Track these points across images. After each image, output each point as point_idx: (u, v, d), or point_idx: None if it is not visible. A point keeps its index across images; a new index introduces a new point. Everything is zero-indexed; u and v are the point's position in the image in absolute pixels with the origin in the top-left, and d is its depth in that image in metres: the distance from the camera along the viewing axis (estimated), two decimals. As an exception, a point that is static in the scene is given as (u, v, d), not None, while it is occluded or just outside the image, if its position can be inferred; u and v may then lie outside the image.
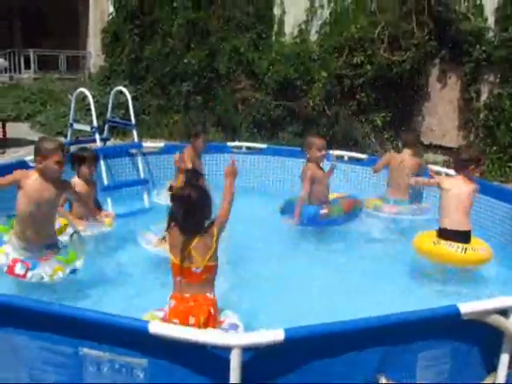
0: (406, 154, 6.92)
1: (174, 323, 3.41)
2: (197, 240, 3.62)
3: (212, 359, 2.64)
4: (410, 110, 11.43)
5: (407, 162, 6.82)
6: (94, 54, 18.84)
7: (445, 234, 5.27)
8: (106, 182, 6.82)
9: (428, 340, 2.96)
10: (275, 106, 12.00)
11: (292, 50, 12.17)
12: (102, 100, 13.02)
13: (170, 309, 3.58)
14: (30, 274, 4.21)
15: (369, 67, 10.85)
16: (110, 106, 7.79)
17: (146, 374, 2.74)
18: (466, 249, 5.12)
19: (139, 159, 7.32)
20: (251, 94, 12.46)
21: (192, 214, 3.61)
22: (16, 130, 13.80)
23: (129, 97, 7.30)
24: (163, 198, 6.85)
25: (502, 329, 3.02)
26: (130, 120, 7.40)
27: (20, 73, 21.24)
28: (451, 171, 7.36)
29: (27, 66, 21.21)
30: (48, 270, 4.28)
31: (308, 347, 2.71)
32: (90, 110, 7.64)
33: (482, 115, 10.62)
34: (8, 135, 12.39)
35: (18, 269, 4.23)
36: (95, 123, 6.92)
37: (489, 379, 3.14)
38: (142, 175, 7.28)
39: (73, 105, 7.36)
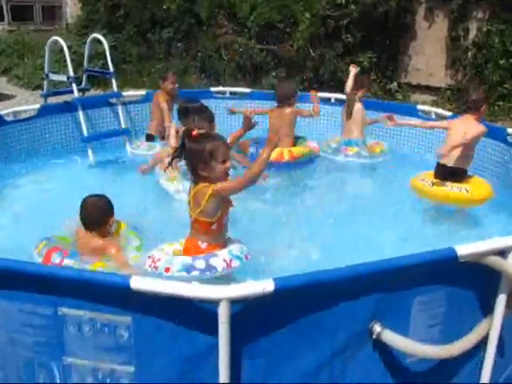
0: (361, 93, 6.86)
1: None
2: (193, 191, 3.55)
3: (199, 313, 2.51)
4: (396, 50, 11.18)
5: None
6: (71, 2, 18.24)
7: (443, 170, 5.22)
8: (85, 133, 6.63)
9: (423, 285, 2.85)
10: (258, 50, 11.70)
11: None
12: (80, 50, 12.57)
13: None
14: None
15: (353, 7, 10.52)
16: (86, 55, 7.49)
17: (131, 332, 2.62)
18: (467, 188, 5.09)
19: (119, 109, 7.09)
20: (234, 38, 12.13)
21: (187, 163, 3.63)
22: (-7, 85, 13.48)
23: (105, 44, 6.99)
24: (141, 148, 6.73)
25: (499, 270, 2.92)
26: (108, 69, 7.11)
27: (-7, 25, 20.58)
28: (440, 110, 7.33)
29: (1, 18, 20.50)
30: None
31: (299, 297, 2.58)
32: (72, 60, 7.40)
33: (470, 54, 10.39)
34: (-17, 90, 12.05)
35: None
36: (71, 73, 6.62)
37: (485, 321, 3.07)
38: (122, 125, 7.06)
39: (47, 55, 7.03)
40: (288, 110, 6.38)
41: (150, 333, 2.60)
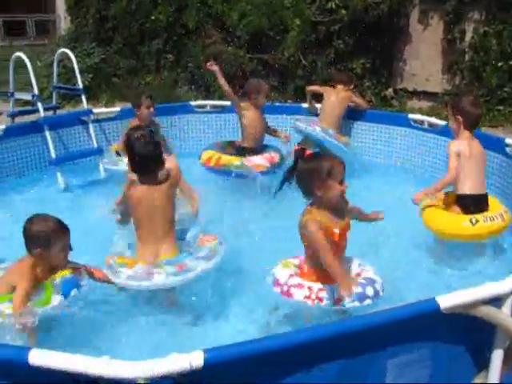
0: (339, 89, 7.10)
1: None
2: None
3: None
4: (390, 55, 10.70)
5: (340, 95, 7.01)
6: (63, 17, 17.92)
7: (465, 200, 4.59)
8: (53, 155, 6.22)
9: (400, 344, 2.39)
10: (249, 59, 11.29)
11: (263, -1, 11.38)
12: (69, 64, 12.30)
13: None
14: None
15: (344, 12, 10.08)
16: (55, 70, 7.11)
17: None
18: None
19: (90, 127, 6.68)
20: (223, 48, 11.72)
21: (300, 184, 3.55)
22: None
23: (73, 59, 6.61)
24: (111, 163, 6.31)
25: (493, 322, 2.46)
26: (77, 85, 6.73)
27: (-15, 41, 20.33)
28: (433, 119, 6.87)
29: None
30: None
31: (239, 370, 2.11)
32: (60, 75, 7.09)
33: (467, 57, 9.90)
34: (-29, 107, 11.69)
35: None
36: (36, 91, 6.24)
37: (478, 378, 2.61)
38: (94, 144, 6.65)
39: (11, 71, 6.67)
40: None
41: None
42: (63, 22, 18.19)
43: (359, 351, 2.28)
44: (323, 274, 3.32)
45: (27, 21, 20.67)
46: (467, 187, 4.58)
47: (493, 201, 4.72)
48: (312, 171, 3.38)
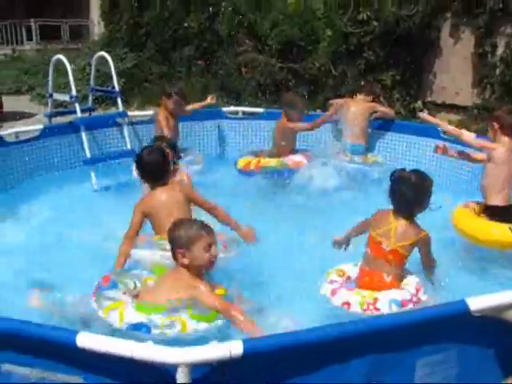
0: (360, 99, 7.29)
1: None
2: (405, 223, 3.79)
3: (157, 376, 2.18)
4: (420, 67, 10.71)
5: (360, 106, 7.13)
6: (96, 22, 18.28)
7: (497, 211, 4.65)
8: (88, 155, 6.39)
9: (430, 344, 2.46)
10: (279, 68, 11.41)
11: (295, 9, 11.50)
12: (102, 69, 12.56)
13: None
14: None
15: (375, 23, 10.15)
16: (92, 73, 7.32)
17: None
18: None
19: (125, 129, 6.84)
20: (254, 56, 11.86)
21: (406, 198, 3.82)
22: (16, 103, 13.49)
23: (111, 63, 6.80)
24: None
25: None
26: (114, 88, 6.91)
27: (22, 44, 20.73)
28: (463, 131, 6.88)
29: (29, 37, 20.67)
30: None
31: (275, 360, 2.20)
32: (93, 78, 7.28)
33: (498, 71, 9.88)
34: (7, 109, 12.01)
35: None
36: (74, 92, 6.42)
37: (508, 380, 2.66)
38: (128, 146, 6.81)
39: (51, 73, 6.88)
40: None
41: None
42: (97, 28, 18.57)
43: (391, 348, 2.35)
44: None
45: (62, 25, 21.07)
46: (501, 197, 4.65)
47: None
48: (422, 189, 3.77)
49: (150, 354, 2.07)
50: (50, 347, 2.21)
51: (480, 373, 2.59)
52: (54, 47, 18.50)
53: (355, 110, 7.07)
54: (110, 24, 14.97)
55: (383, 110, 7.41)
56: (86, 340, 2.13)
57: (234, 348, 2.08)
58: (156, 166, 4.18)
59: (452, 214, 4.81)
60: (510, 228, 4.44)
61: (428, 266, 3.80)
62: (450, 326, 2.46)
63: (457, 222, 4.75)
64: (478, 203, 4.89)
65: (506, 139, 4.72)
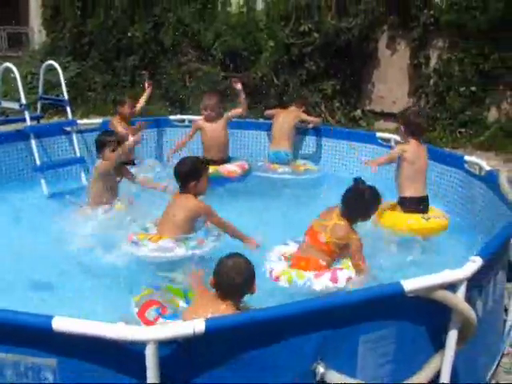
0: (291, 110, 7.53)
1: None
2: (343, 223, 4.16)
3: (127, 355, 2.37)
4: (359, 77, 11.21)
5: (288, 115, 7.37)
6: (37, 30, 18.02)
7: (410, 202, 5.13)
8: (37, 162, 6.44)
9: (370, 321, 2.73)
10: (223, 77, 11.64)
11: (238, 20, 11.80)
12: (46, 77, 12.46)
13: None
14: None
15: (316, 35, 10.55)
16: (41, 82, 7.35)
17: (56, 375, 2.46)
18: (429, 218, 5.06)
19: (74, 137, 6.92)
20: (198, 66, 12.07)
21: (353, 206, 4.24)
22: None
23: (60, 71, 6.86)
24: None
25: (449, 305, 2.81)
26: (63, 96, 6.97)
27: (-43, 53, 20.22)
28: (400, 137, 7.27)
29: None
30: None
31: (233, 338, 2.45)
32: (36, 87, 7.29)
33: (431, 81, 10.46)
34: None
35: None
36: (23, 100, 6.46)
37: (436, 357, 2.95)
38: (77, 153, 6.89)
39: (-1, 82, 6.89)
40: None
41: (76, 376, 2.44)
42: (37, 35, 18.28)
43: (336, 326, 2.62)
44: None
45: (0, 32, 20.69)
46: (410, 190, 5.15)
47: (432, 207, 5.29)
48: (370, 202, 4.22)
49: (121, 333, 2.27)
50: (27, 332, 2.38)
51: (415, 348, 2.89)
52: (-9, 55, 18.17)
53: (282, 119, 7.35)
54: (52, 32, 14.80)
55: (308, 118, 7.66)
56: (61, 323, 2.31)
57: (197, 326, 2.31)
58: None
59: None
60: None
61: (357, 268, 4.04)
62: (388, 305, 2.75)
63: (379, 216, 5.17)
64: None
65: (412, 140, 5.17)
